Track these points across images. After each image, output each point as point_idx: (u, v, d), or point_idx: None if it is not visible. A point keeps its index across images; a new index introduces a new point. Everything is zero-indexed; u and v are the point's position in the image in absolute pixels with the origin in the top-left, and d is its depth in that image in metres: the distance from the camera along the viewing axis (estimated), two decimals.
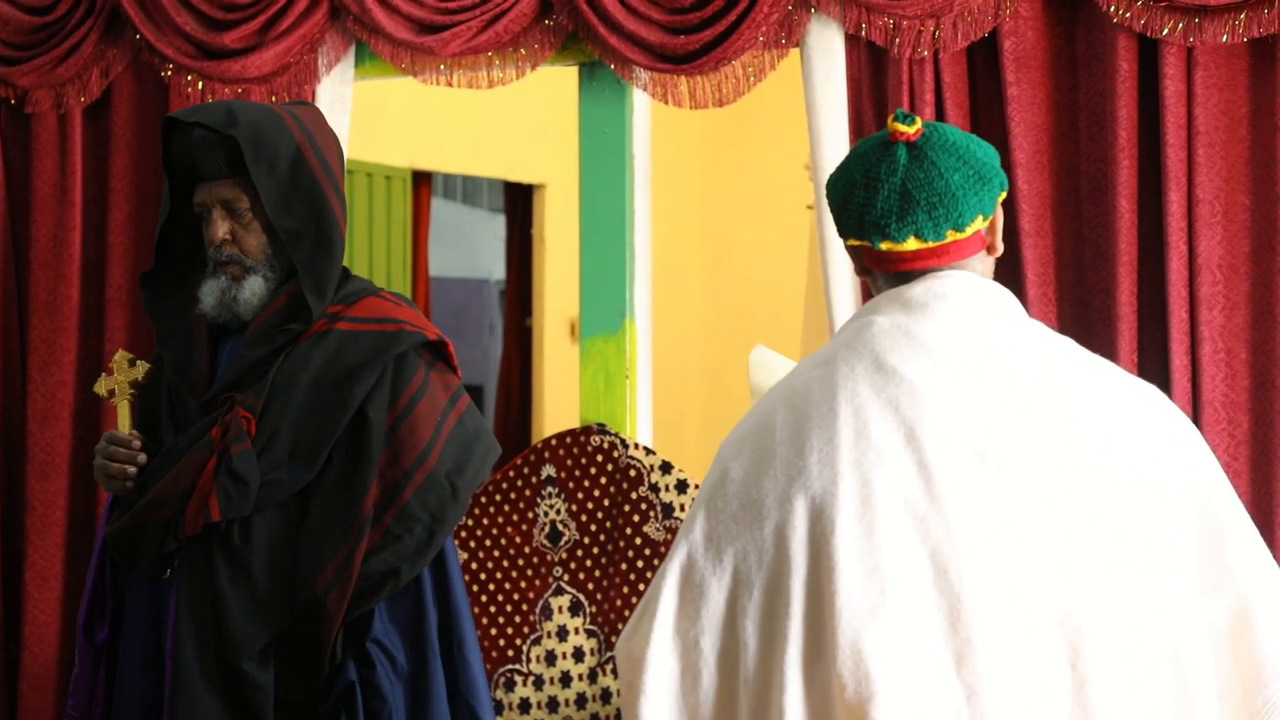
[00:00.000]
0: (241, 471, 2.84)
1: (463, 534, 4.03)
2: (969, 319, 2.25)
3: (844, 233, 2.32)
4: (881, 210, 2.24)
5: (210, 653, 2.86)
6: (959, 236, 2.25)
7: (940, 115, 3.67)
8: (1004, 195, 2.30)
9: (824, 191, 2.45)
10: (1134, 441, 2.22)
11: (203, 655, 2.86)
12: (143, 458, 2.95)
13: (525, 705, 3.96)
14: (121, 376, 3.07)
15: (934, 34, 3.66)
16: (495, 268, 12.21)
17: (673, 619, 2.27)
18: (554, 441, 4.02)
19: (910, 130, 2.25)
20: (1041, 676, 2.12)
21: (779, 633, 2.19)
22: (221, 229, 2.93)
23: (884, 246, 2.26)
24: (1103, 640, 2.12)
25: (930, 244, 2.25)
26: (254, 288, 2.94)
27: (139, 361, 3.08)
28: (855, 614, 2.13)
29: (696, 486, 3.86)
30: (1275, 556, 3.56)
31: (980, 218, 2.26)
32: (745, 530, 2.25)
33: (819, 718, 2.16)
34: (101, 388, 3.09)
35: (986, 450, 2.18)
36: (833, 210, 2.34)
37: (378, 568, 2.85)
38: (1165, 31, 3.51)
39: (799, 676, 2.17)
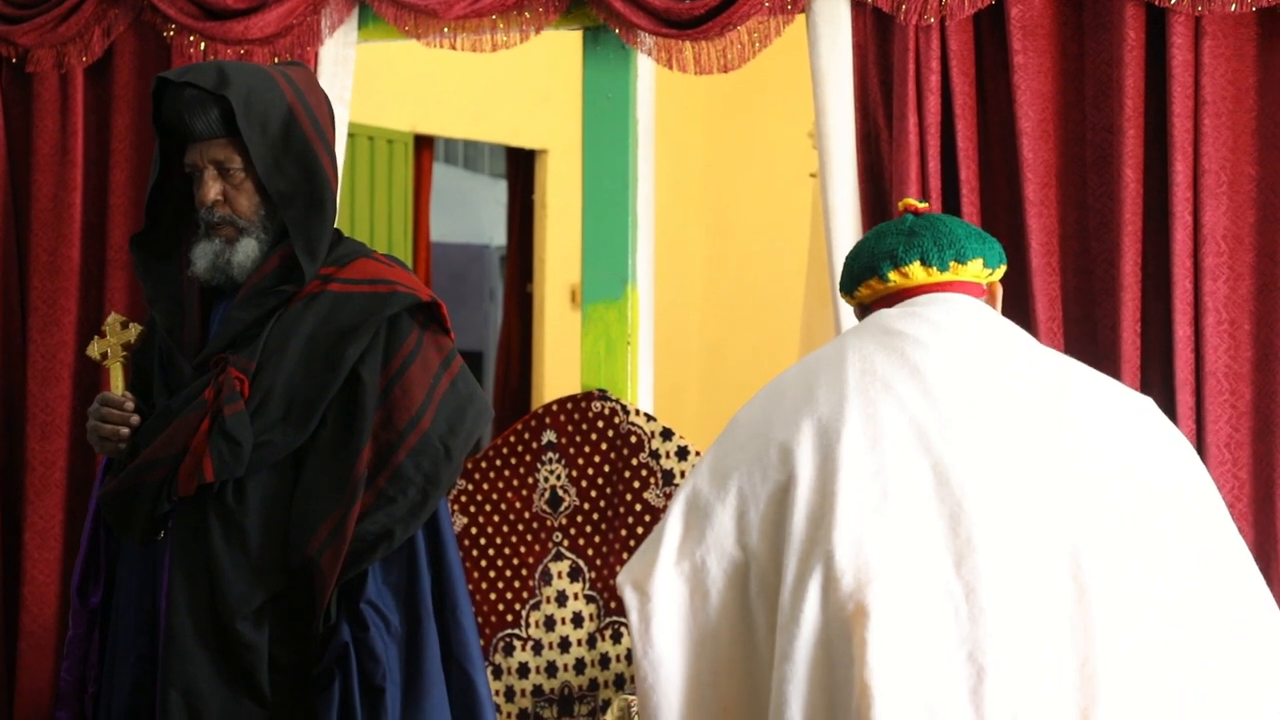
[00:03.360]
0: (235, 432, 2.83)
1: (463, 498, 4.03)
2: (971, 314, 2.43)
3: (855, 280, 2.52)
4: (890, 244, 2.48)
5: (204, 614, 2.85)
6: (961, 271, 2.46)
7: (946, 83, 3.65)
8: (1004, 269, 2.52)
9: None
10: (1132, 440, 2.32)
11: (196, 617, 2.85)
12: (135, 419, 2.94)
13: (524, 670, 3.97)
14: (114, 339, 3.05)
15: (940, 0, 3.64)
16: (496, 233, 12.17)
17: (678, 544, 2.37)
18: (555, 407, 4.02)
19: (921, 206, 2.54)
20: (1042, 583, 2.19)
21: (785, 536, 2.27)
22: (213, 190, 2.92)
23: (892, 277, 2.46)
24: (1105, 559, 2.20)
25: (935, 273, 2.45)
26: (247, 250, 2.92)
27: (132, 324, 3.07)
28: (858, 512, 2.22)
29: (697, 453, 3.85)
30: (1277, 531, 3.57)
31: (981, 262, 2.48)
32: (750, 454, 2.35)
33: (825, 614, 2.22)
34: (94, 350, 3.07)
35: (990, 389, 2.31)
36: (844, 276, 2.55)
37: (371, 529, 2.85)
38: (1173, 0, 3.48)
39: (793, 574, 2.24)
